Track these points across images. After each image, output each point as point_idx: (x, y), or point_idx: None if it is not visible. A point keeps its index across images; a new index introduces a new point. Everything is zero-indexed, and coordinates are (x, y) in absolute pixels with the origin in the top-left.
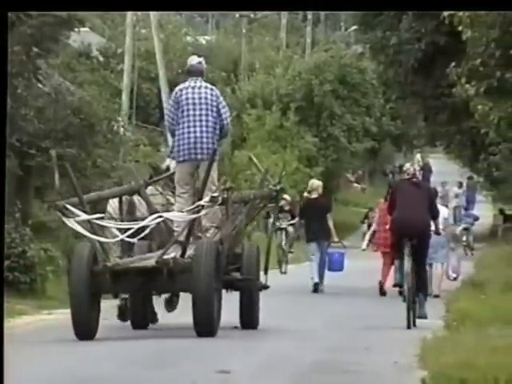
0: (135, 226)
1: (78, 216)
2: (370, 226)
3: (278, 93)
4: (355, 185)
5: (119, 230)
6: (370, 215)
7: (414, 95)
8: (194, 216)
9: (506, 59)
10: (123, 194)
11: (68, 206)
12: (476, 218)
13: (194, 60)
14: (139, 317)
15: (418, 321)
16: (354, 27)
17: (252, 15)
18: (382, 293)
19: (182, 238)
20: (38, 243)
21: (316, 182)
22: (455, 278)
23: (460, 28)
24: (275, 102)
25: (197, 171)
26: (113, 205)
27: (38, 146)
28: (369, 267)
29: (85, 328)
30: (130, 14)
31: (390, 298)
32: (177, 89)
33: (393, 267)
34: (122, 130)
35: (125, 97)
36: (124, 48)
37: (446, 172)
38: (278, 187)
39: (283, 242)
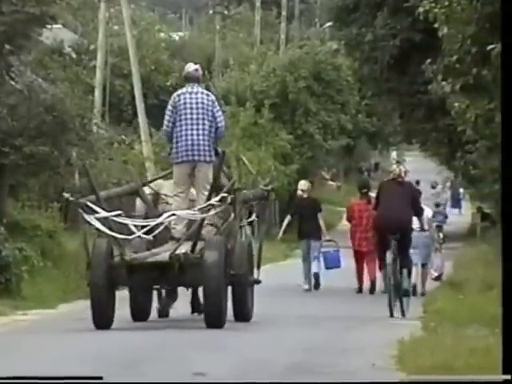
0: (151, 223)
1: (98, 213)
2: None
3: (252, 89)
4: (330, 183)
5: (135, 226)
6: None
7: (390, 92)
8: (205, 215)
9: (482, 56)
10: (125, 193)
11: (89, 204)
12: (446, 216)
13: (190, 67)
14: (139, 309)
15: (395, 321)
16: (329, 24)
17: (226, 12)
18: (360, 290)
19: (192, 235)
20: (12, 243)
21: (307, 183)
22: (438, 277)
23: (435, 25)
24: (249, 99)
25: (193, 172)
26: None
27: (11, 143)
28: (348, 266)
29: (104, 318)
30: (102, 10)
31: (368, 297)
32: (175, 94)
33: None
34: (95, 127)
35: (97, 94)
36: (96, 44)
37: (422, 170)
38: (269, 187)
39: None
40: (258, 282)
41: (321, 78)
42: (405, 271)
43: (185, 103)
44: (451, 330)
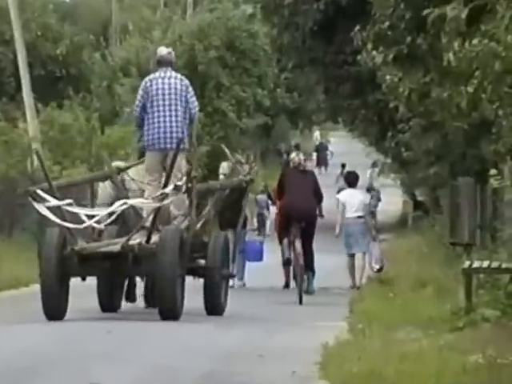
0: (102, 212)
1: (49, 202)
2: None
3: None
4: (246, 167)
5: (87, 216)
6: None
7: (313, 63)
8: (159, 204)
9: (417, 22)
10: (95, 180)
11: (39, 192)
12: (379, 199)
13: (163, 51)
14: (107, 300)
15: (320, 323)
16: None
17: None
18: (287, 285)
19: (147, 225)
20: None
21: (230, 165)
22: (379, 270)
23: None
24: (152, 71)
25: (166, 160)
26: (100, 192)
27: None
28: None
29: (54, 309)
30: None
31: (293, 296)
32: (146, 79)
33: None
34: None
35: None
36: None
37: (349, 152)
38: (249, 177)
39: None
40: (232, 275)
41: (234, 47)
42: (310, 274)
43: (157, 88)
44: (380, 333)
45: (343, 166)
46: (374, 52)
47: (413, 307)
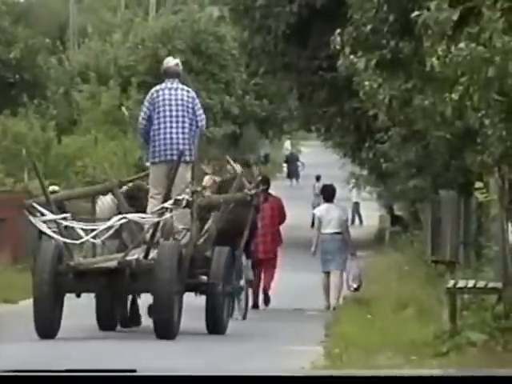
0: (100, 226)
1: (44, 215)
2: None
3: (116, 64)
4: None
5: (84, 230)
6: None
7: (286, 69)
8: (158, 219)
9: (401, 25)
10: (96, 193)
11: (35, 205)
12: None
13: (170, 62)
14: (105, 318)
15: (294, 348)
16: None
17: None
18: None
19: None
20: None
21: (211, 179)
22: (356, 289)
23: None
24: (113, 76)
25: (170, 172)
26: (101, 206)
27: None
28: None
29: (47, 326)
30: None
31: (265, 316)
32: (153, 90)
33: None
34: None
35: None
36: None
37: (322, 164)
38: (254, 191)
39: None
40: (236, 292)
41: (200, 51)
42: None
43: (163, 99)
44: (359, 358)
45: (318, 178)
46: (352, 57)
47: (393, 330)
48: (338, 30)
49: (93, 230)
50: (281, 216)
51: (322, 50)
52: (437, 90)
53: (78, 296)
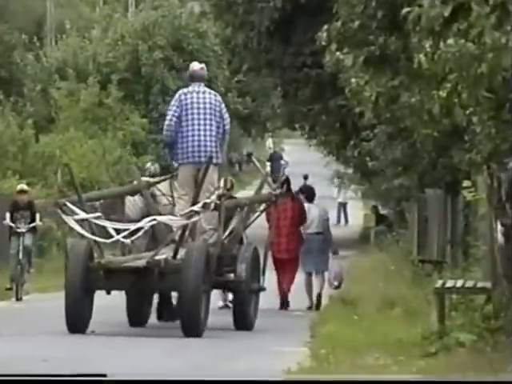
0: (131, 227)
1: (77, 214)
2: None
3: (95, 61)
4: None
5: (116, 230)
6: None
7: (270, 65)
8: (186, 222)
9: (390, 21)
10: (125, 193)
11: (68, 204)
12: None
13: (195, 66)
14: (135, 314)
15: (280, 349)
16: None
17: None
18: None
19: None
20: None
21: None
22: (337, 287)
23: None
24: (92, 73)
25: (198, 173)
26: (130, 206)
27: None
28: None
29: (77, 321)
30: None
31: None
32: (180, 92)
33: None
34: None
35: None
36: None
37: (306, 162)
38: (278, 191)
39: (20, 254)
40: (262, 289)
41: (181, 47)
42: None
43: (192, 102)
44: (346, 359)
45: (305, 177)
46: (338, 53)
47: (380, 330)
48: (326, 26)
49: (124, 230)
50: (301, 217)
51: (307, 47)
52: (424, 87)
53: (108, 293)
